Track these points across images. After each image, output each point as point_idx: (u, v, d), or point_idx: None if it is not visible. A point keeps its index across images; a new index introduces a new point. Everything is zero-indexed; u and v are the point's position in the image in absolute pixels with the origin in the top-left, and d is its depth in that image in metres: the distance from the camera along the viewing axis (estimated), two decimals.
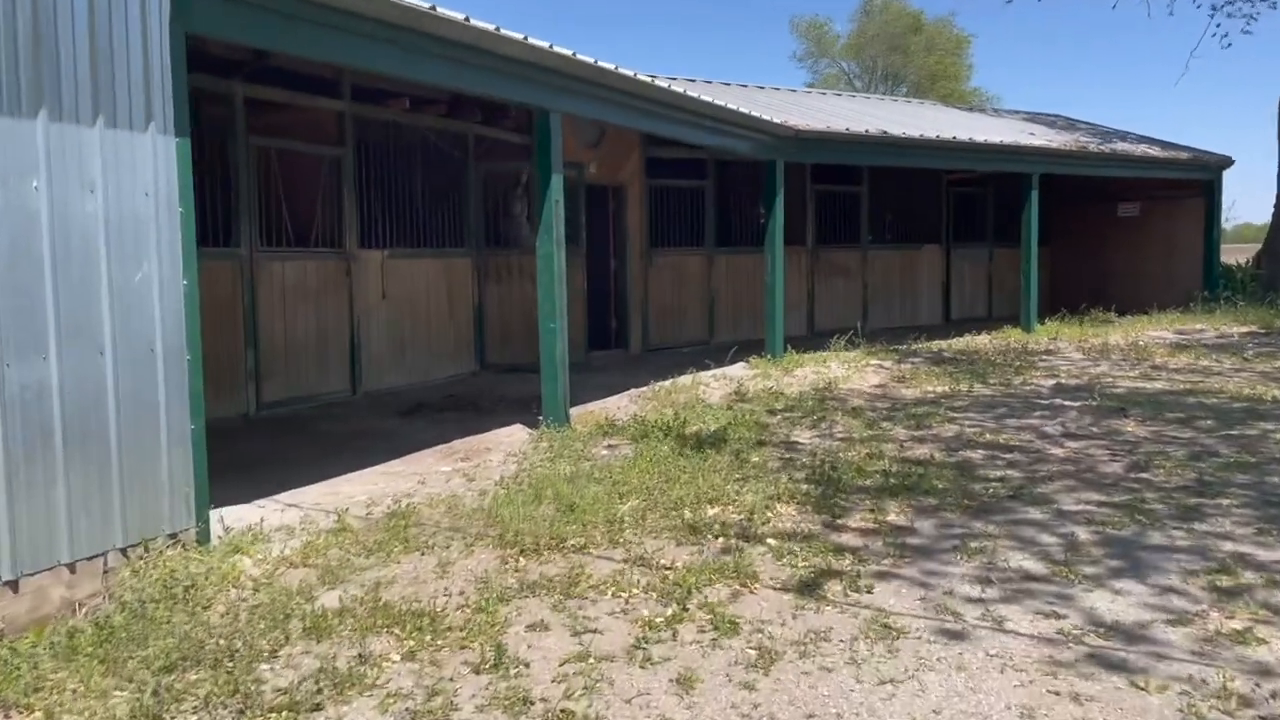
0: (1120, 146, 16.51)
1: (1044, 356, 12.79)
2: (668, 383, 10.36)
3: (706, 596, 4.35)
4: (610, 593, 4.41)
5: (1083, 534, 5.24)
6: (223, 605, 4.31)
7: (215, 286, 8.63)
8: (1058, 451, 7.24)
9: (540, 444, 7.51)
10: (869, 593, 4.43)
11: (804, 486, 6.16)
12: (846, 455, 7.04)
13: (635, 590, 4.43)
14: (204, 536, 4.99)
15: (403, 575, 4.69)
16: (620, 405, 9.34)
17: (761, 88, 15.97)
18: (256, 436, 8.11)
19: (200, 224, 8.66)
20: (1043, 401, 9.45)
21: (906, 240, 17.36)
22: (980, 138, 14.17)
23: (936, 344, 14.12)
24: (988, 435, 7.82)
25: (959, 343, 14.31)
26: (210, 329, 8.57)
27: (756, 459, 6.97)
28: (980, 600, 4.34)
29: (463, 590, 4.48)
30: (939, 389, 10.31)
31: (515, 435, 7.90)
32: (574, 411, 8.97)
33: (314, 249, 9.63)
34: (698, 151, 14.27)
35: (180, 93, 4.86)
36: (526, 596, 4.38)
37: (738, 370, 11.54)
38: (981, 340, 14.64)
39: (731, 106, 10.56)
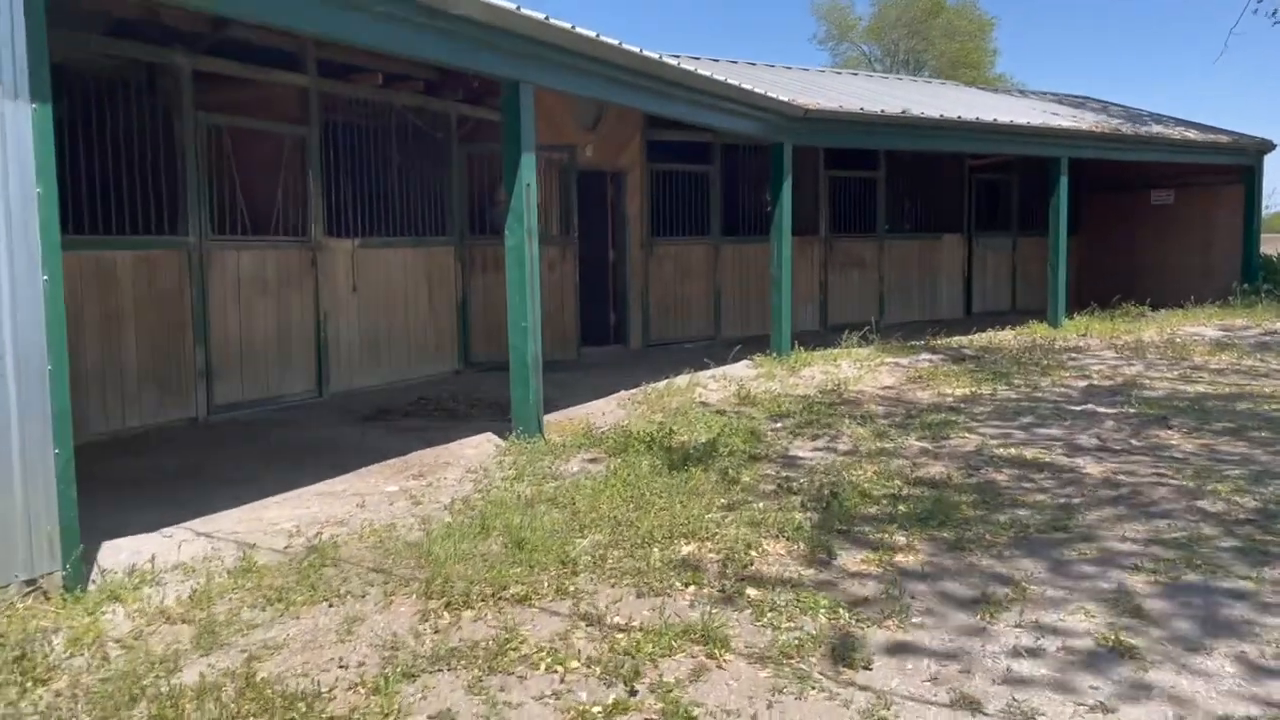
0: (1155, 129, 15.43)
1: (1073, 355, 11.80)
2: (663, 384, 9.47)
3: (662, 673, 3.47)
4: (544, 665, 3.53)
5: (1136, 583, 4.31)
6: (65, 679, 3.47)
7: (159, 277, 7.81)
8: (1094, 470, 6.30)
9: (506, 458, 6.64)
10: (866, 668, 3.53)
11: (798, 515, 5.26)
12: (851, 474, 6.13)
13: (575, 663, 3.55)
14: (74, 581, 4.15)
15: (297, 636, 3.83)
16: (606, 410, 8.46)
17: (771, 66, 15.00)
18: (196, 445, 7.28)
19: (142, 210, 7.93)
20: (1074, 407, 8.49)
21: (926, 229, 16.36)
22: (1006, 119, 13.15)
23: (956, 340, 13.14)
24: (1013, 449, 6.88)
25: (981, 339, 13.32)
26: (153, 324, 7.76)
27: (748, 478, 6.08)
28: (1007, 680, 3.43)
29: (363, 661, 3.62)
30: (959, 391, 9.36)
31: (481, 447, 7.03)
32: (554, 417, 8.10)
33: (274, 237, 8.78)
34: (703, 134, 13.35)
35: (38, 50, 4.00)
36: (440, 670, 3.51)
37: (740, 370, 10.63)
38: (1005, 336, 13.65)
39: (731, 82, 9.62)
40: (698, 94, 9.33)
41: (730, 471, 6.21)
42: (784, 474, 6.24)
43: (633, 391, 9.20)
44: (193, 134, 7.99)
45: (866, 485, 5.86)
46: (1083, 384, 9.82)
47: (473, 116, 10.94)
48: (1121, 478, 6.09)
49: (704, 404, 8.73)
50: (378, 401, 8.92)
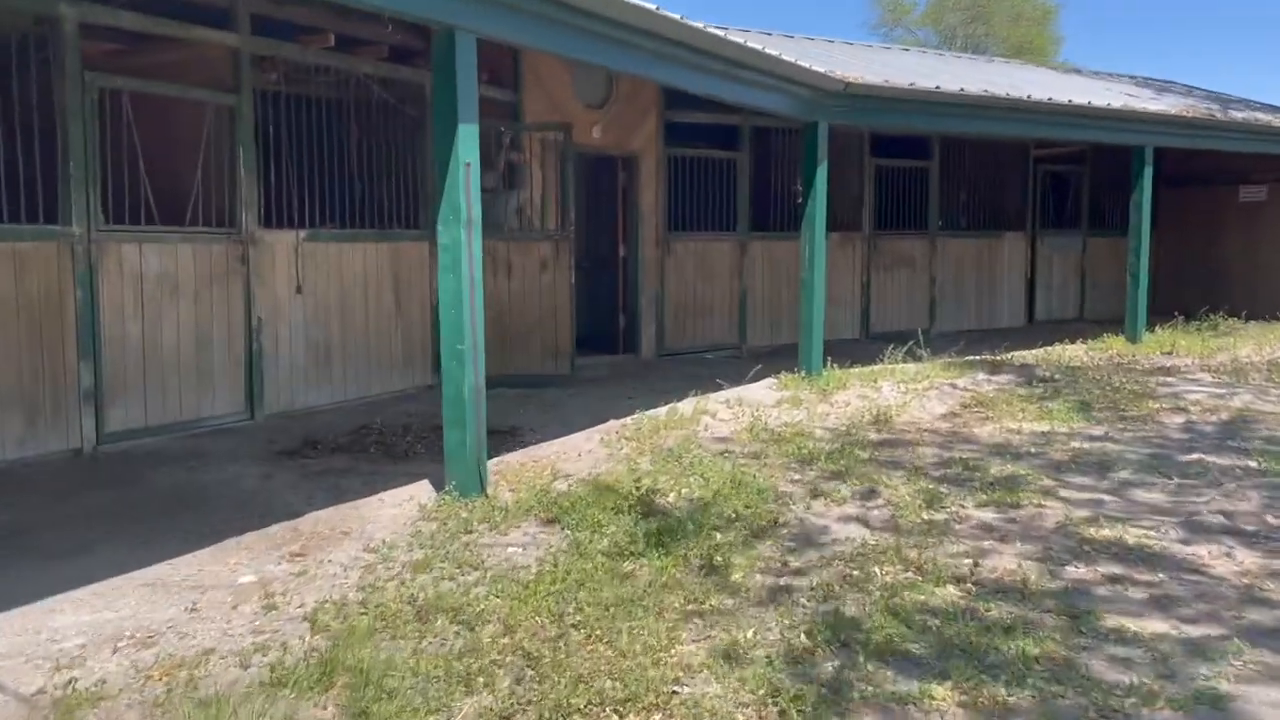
0: (1259, 117, 13.31)
1: (1162, 378, 9.86)
2: (664, 410, 7.75)
3: None
4: None
5: None
6: None
7: (30, 277, 6.26)
8: (1228, 571, 4.48)
9: (425, 528, 4.97)
10: None
11: (801, 638, 3.55)
12: (885, 570, 4.38)
13: None
14: None
15: None
16: (586, 448, 6.76)
17: (812, 39, 13.16)
18: (52, 489, 5.71)
19: (8, 194, 6.27)
20: (1177, 456, 6.63)
21: (984, 227, 14.41)
22: (1082, 100, 11.19)
23: (1021, 355, 11.23)
24: (1108, 527, 5.07)
25: (1049, 355, 11.39)
26: (20, 335, 6.22)
27: (741, 571, 4.37)
28: None
29: None
30: (1029, 427, 7.53)
31: (403, 508, 5.37)
32: (516, 458, 6.44)
33: (191, 228, 7.20)
34: (730, 115, 11.56)
35: None
36: None
37: (761, 392, 8.87)
38: (1077, 351, 11.71)
39: (752, 45, 7.84)
40: (707, 57, 7.57)
41: (719, 558, 4.49)
42: (792, 563, 4.51)
43: (624, 421, 7.49)
44: (80, 99, 6.42)
45: (906, 593, 4.11)
46: (1180, 420, 7.93)
47: None
48: (1270, 588, 4.26)
49: (709, 439, 7.01)
50: (315, 428, 7.31)
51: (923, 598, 4.09)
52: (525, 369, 9.29)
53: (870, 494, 5.68)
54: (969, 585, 4.25)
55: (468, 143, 5.20)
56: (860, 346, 12.26)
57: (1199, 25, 60.90)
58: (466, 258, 5.23)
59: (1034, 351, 11.61)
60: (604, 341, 11.51)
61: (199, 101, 7.26)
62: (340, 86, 8.36)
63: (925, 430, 7.55)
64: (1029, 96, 10.52)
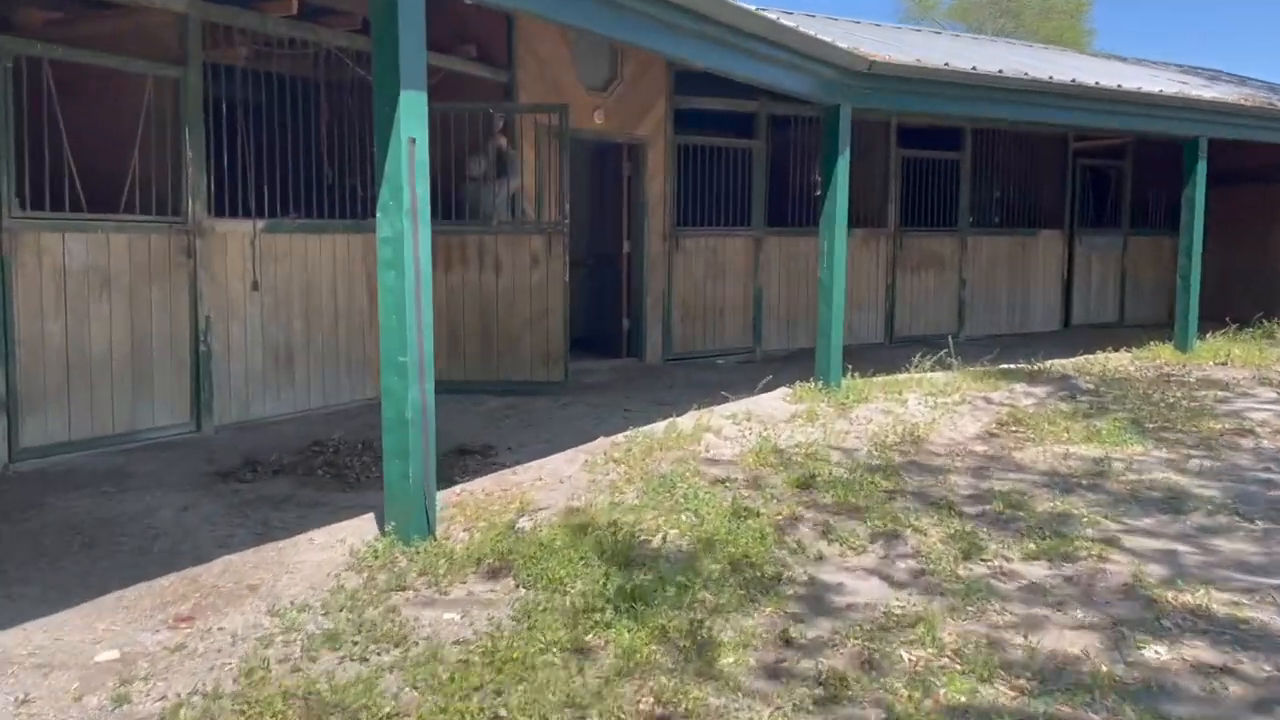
0: None
1: (1219, 393, 8.80)
2: (661, 426, 6.82)
3: None
4: None
5: None
6: None
7: None
8: None
9: (351, 581, 4.06)
10: None
11: None
12: (910, 657, 3.43)
13: None
14: None
15: None
16: (565, 474, 5.83)
17: (835, 19, 12.14)
18: None
19: None
20: (1256, 491, 5.63)
21: (1019, 224, 13.34)
22: (1133, 85, 10.13)
23: (1060, 364, 10.19)
24: (1187, 591, 4.09)
25: (1092, 364, 10.34)
26: None
27: (731, 650, 3.43)
28: None
29: None
30: (1079, 452, 6.54)
31: (332, 551, 4.45)
32: (484, 484, 5.53)
33: (126, 216, 6.32)
34: (746, 101, 10.62)
35: None
36: None
37: (772, 404, 7.91)
38: (1121, 360, 10.65)
39: (770, 18, 6.88)
40: (721, 28, 6.61)
41: (706, 628, 3.56)
42: (797, 635, 3.57)
43: (615, 439, 6.56)
44: None
45: (941, 691, 3.16)
46: (1249, 444, 6.91)
47: (440, 67, 8.36)
48: None
49: (710, 462, 6.07)
50: (265, 443, 6.42)
51: (963, 698, 3.13)
52: (513, 375, 8.38)
53: (894, 538, 4.73)
54: (1020, 678, 3.29)
55: (412, 113, 4.27)
56: (884, 352, 11.26)
57: (1235, 18, 59.01)
58: (411, 252, 4.31)
59: (1074, 360, 10.56)
60: (606, 344, 10.58)
61: (139, 75, 6.37)
62: (307, 61, 7.47)
63: (958, 453, 6.58)
64: (1075, 80, 9.48)
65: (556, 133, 8.44)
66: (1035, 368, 9.82)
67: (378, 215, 4.37)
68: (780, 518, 4.95)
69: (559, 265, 8.37)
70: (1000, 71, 8.90)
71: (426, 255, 4.42)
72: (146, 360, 6.42)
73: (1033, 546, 4.63)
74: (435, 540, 4.46)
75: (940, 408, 7.88)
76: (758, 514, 4.94)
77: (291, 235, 7.24)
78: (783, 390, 8.44)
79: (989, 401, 8.25)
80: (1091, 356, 10.75)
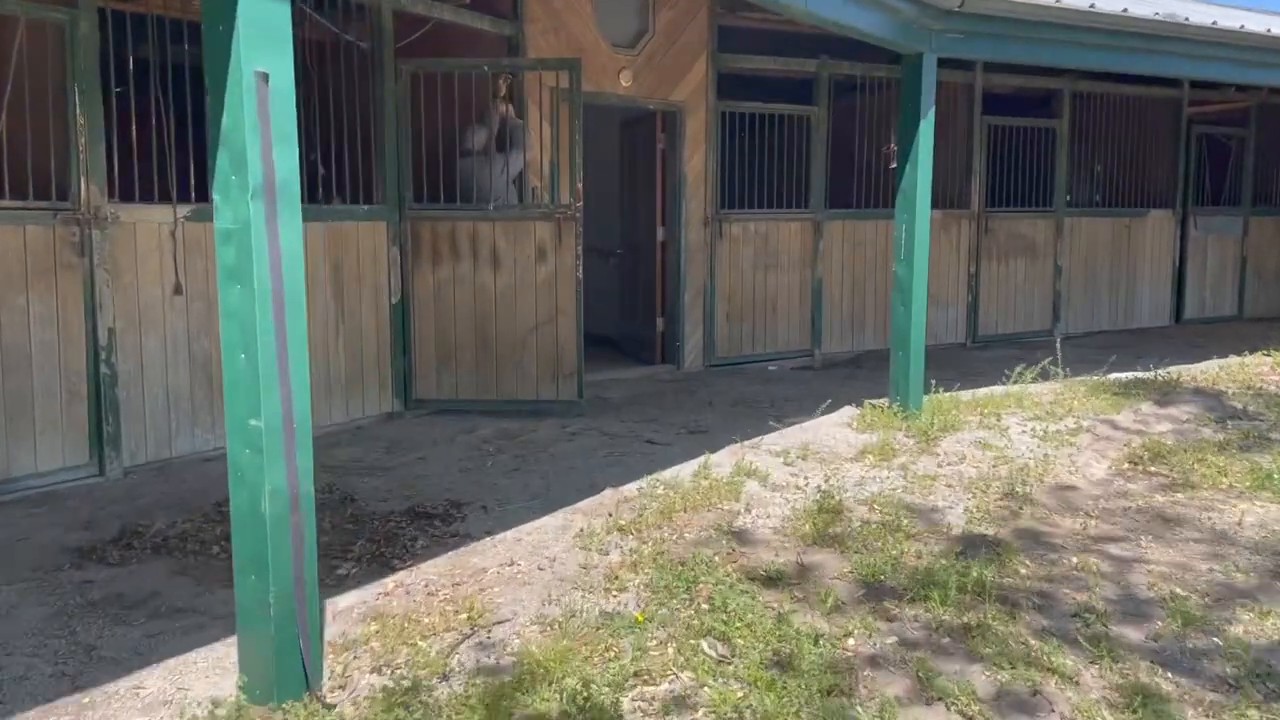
0: None
1: None
2: (691, 468, 5.16)
3: None
4: None
5: None
6: None
7: None
8: None
9: None
10: None
11: None
12: None
13: None
14: None
15: None
16: (548, 554, 4.16)
17: None
18: None
19: None
20: None
21: (1123, 202, 11.31)
22: None
23: (1190, 373, 8.23)
24: None
25: (1227, 371, 8.36)
26: None
27: None
28: None
29: None
30: (1254, 509, 4.70)
31: None
32: (425, 574, 3.91)
33: None
34: (804, 62, 8.85)
35: None
36: None
37: (834, 432, 6.16)
38: (1260, 367, 8.63)
39: None
40: None
41: None
42: None
43: (630, 491, 4.89)
44: None
45: None
46: None
47: (426, 15, 6.75)
48: None
49: (748, 538, 4.37)
50: (173, 495, 4.88)
51: None
52: (515, 394, 6.76)
53: (1028, 700, 2.99)
54: None
55: (261, 32, 2.63)
56: (967, 356, 9.42)
57: None
58: (267, 256, 2.67)
59: (1202, 367, 8.58)
60: (638, 347, 8.92)
61: (5, 15, 4.83)
62: None
63: (1089, 512, 4.78)
64: (1215, 24, 7.49)
65: (566, 96, 6.75)
66: (1159, 378, 7.89)
67: (214, 197, 2.74)
68: (847, 650, 3.24)
69: (570, 258, 6.70)
70: (1125, 11, 6.97)
71: (298, 258, 2.79)
72: (22, 388, 4.90)
73: (1255, 716, 2.87)
74: (315, 700, 2.84)
75: (1052, 438, 6.06)
76: (815, 641, 3.24)
77: None
78: (848, 412, 6.69)
79: (1113, 427, 6.39)
80: (1224, 362, 8.76)
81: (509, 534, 4.33)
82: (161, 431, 5.44)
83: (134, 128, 5.24)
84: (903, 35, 6.19)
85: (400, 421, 6.59)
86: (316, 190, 6.16)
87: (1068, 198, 10.68)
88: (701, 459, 5.38)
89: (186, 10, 5.54)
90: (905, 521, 4.53)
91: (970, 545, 4.26)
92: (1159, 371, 7.99)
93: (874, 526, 4.43)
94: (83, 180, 5.03)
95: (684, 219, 8.45)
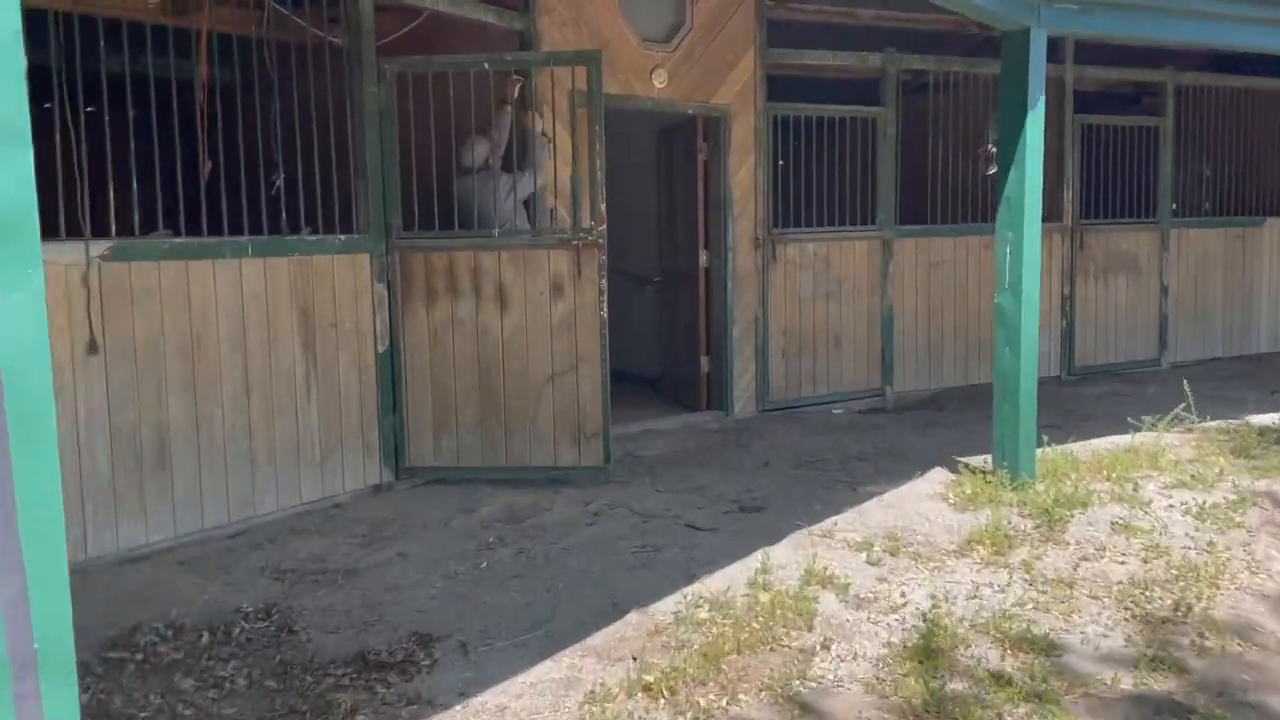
0: None
1: None
2: (743, 575, 3.85)
3: None
4: None
5: None
6: None
7: None
8: None
9: None
10: None
11: None
12: None
13: None
14: None
15: None
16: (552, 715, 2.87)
17: None
18: None
19: None
20: None
21: (1237, 210, 9.74)
22: None
23: None
24: None
25: None
26: None
27: None
28: None
29: None
30: None
31: None
32: None
33: None
34: (866, 59, 7.54)
35: None
36: None
37: (925, 509, 4.78)
38: None
39: None
40: None
41: None
42: None
43: (662, 613, 3.57)
44: None
45: None
46: None
47: (415, 6, 5.54)
48: None
49: (831, 681, 3.03)
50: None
51: None
52: (527, 460, 5.48)
53: None
54: None
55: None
56: (1065, 393, 7.96)
57: None
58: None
59: None
60: (680, 390, 7.62)
61: None
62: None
63: None
64: None
65: (584, 98, 5.49)
66: None
67: None
68: None
69: (592, 293, 5.42)
70: None
71: (42, 329, 1.53)
72: None
73: None
74: None
75: (1210, 516, 4.62)
76: None
77: (158, 265, 4.48)
78: (938, 477, 5.30)
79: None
80: None
81: (490, 698, 3.03)
82: (74, 530, 4.25)
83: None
84: (1003, 5, 4.83)
85: (388, 496, 5.34)
86: (279, 218, 4.96)
87: (1174, 206, 9.15)
88: (759, 556, 4.06)
89: (93, 4, 4.39)
90: (1046, 667, 3.16)
91: (1141, 697, 2.88)
92: None
93: (1005, 682, 3.06)
94: None
95: (730, 240, 7.14)
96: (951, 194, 7.96)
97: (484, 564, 4.25)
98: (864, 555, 4.16)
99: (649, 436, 6.71)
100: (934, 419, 7.16)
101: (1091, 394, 7.87)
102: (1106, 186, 8.79)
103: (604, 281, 5.43)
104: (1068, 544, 4.38)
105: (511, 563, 4.26)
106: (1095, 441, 6.04)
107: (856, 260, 7.70)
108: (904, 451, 6.09)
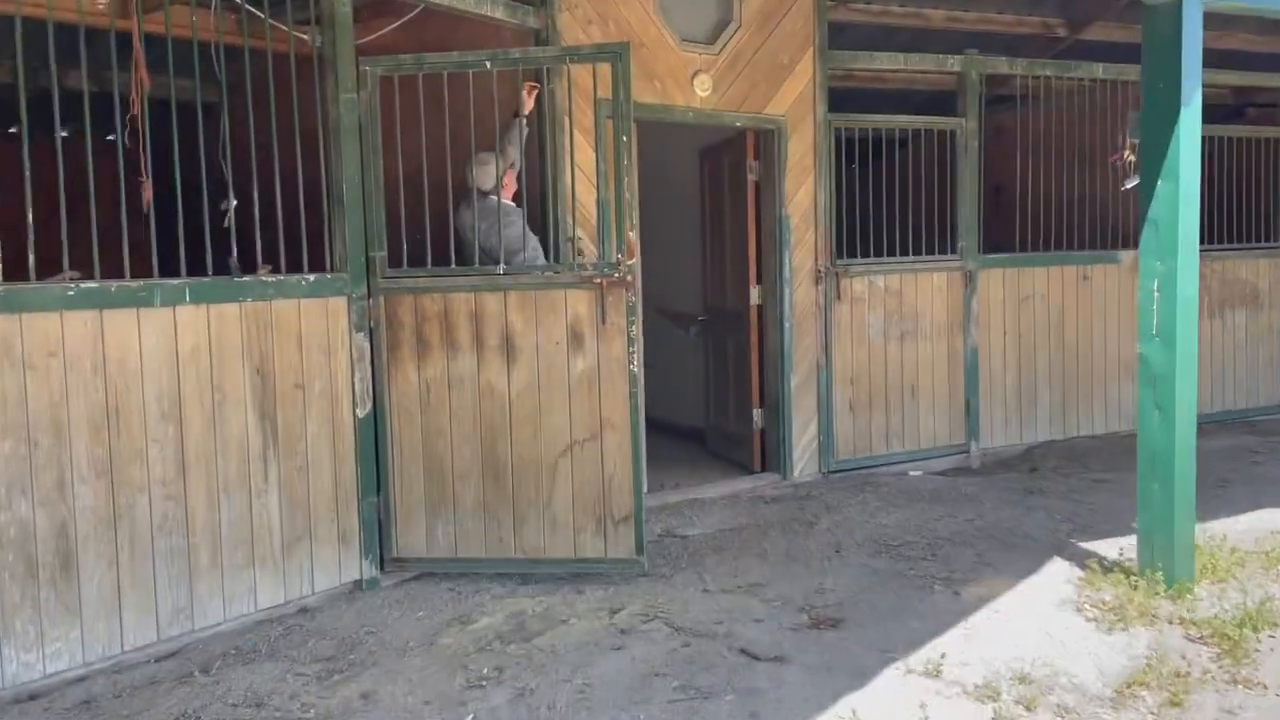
0: None
1: None
2: None
3: None
4: None
5: None
6: None
7: None
8: None
9: None
10: None
11: None
12: None
13: None
14: None
15: None
16: None
17: None
18: None
19: None
20: None
21: None
22: None
23: None
24: None
25: None
26: None
27: None
28: None
29: None
30: None
31: None
32: None
33: None
34: (941, 60, 6.43)
35: None
36: None
37: (1056, 627, 3.57)
38: None
39: None
40: None
41: None
42: None
43: None
44: None
45: None
46: None
47: (409, 1, 4.54)
48: None
49: None
50: None
51: None
52: (540, 550, 4.37)
53: None
54: None
55: None
56: None
57: None
58: None
59: None
60: (729, 446, 6.48)
61: None
62: None
63: None
64: None
65: (609, 105, 4.41)
66: None
67: None
68: None
69: (620, 341, 4.32)
70: None
71: None
72: None
73: None
74: None
75: None
76: None
77: (64, 314, 3.47)
78: (1060, 573, 4.11)
79: None
80: None
81: None
82: None
83: None
84: None
85: (366, 599, 4.25)
86: (228, 253, 3.94)
87: None
88: (845, 704, 2.89)
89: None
90: None
91: None
92: None
93: None
94: None
95: (787, 274, 6.00)
96: (1044, 218, 6.77)
97: (471, 715, 3.13)
98: (990, 710, 2.98)
99: (693, 508, 5.57)
100: (1033, 485, 5.92)
101: (1216, 449, 6.57)
102: (1220, 207, 7.51)
103: (635, 328, 4.32)
104: (1262, 683, 3.15)
105: (508, 710, 3.13)
106: (1244, 518, 4.83)
107: (934, 295, 6.52)
108: (1007, 532, 4.88)
